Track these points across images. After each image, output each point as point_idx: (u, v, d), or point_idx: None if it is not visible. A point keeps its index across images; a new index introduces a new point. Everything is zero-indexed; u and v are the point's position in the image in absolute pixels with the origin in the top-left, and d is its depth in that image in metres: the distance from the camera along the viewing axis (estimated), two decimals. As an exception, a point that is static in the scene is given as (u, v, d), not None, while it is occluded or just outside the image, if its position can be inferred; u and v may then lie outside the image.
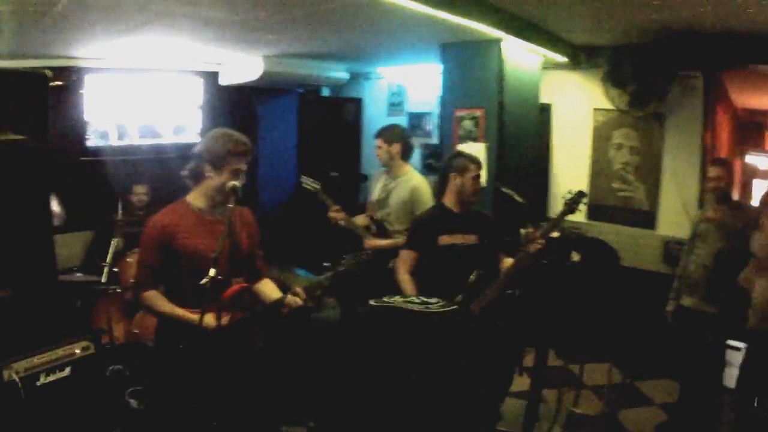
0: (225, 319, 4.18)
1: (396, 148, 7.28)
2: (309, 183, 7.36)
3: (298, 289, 4.63)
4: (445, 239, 5.75)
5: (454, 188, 5.88)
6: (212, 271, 3.90)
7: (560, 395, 6.73)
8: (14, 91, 5.89)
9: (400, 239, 6.73)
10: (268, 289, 4.92)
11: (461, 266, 5.61)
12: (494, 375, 5.86)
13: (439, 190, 6.11)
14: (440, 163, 7.45)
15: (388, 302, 4.94)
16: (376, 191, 7.52)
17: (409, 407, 4.70)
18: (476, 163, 5.99)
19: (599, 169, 9.55)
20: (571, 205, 5.96)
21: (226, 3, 5.89)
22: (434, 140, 11.10)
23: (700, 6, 6.21)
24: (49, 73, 6.01)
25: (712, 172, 6.73)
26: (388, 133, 7.36)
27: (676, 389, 7.00)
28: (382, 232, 7.27)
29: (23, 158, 5.43)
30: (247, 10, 6.23)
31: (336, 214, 7.22)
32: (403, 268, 5.84)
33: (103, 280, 7.30)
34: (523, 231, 6.04)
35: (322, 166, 10.75)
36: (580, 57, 9.20)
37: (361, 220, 7.49)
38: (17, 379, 4.77)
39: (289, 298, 4.59)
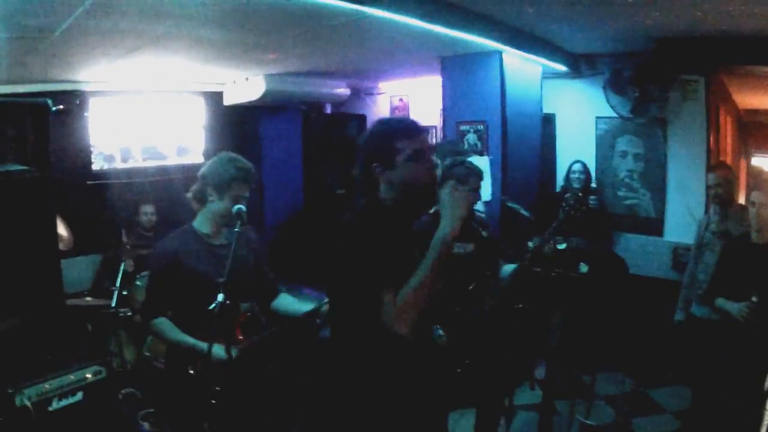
0: (235, 350, 4.21)
1: None
2: None
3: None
4: None
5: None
6: (220, 297, 3.92)
7: (572, 406, 6.72)
8: (15, 121, 5.89)
9: None
10: (287, 302, 4.94)
11: (460, 274, 5.62)
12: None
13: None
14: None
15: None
16: None
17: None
18: (476, 175, 5.95)
19: (605, 177, 9.54)
20: (570, 212, 5.92)
21: (218, 24, 5.92)
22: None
23: (697, 11, 6.23)
24: (50, 102, 5.99)
25: (710, 179, 6.73)
26: None
27: (689, 396, 6.97)
28: None
29: (26, 188, 5.42)
30: (239, 31, 6.27)
31: None
32: None
33: (113, 303, 7.27)
34: (530, 244, 5.99)
35: (327, 184, 10.75)
36: (581, 65, 9.23)
37: None
38: (29, 405, 4.76)
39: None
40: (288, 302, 4.95)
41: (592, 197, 8.54)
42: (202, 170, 4.60)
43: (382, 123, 3.59)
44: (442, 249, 3.20)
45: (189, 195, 4.65)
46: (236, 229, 4.29)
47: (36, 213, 5.62)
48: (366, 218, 3.31)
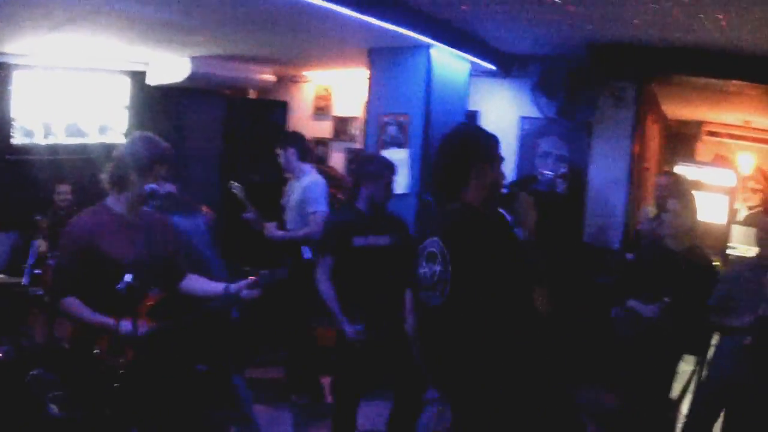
0: (142, 329, 4.18)
1: (291, 151, 7.44)
2: (236, 188, 7.48)
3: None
4: (359, 240, 5.76)
5: (366, 194, 5.87)
6: (128, 277, 3.87)
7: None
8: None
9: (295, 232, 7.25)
10: (200, 282, 4.92)
11: (377, 268, 5.70)
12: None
13: (352, 194, 6.11)
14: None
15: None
16: (285, 196, 7.69)
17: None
18: (390, 169, 5.97)
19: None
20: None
21: (152, 1, 5.85)
22: (359, 145, 11.07)
23: (633, 19, 6.31)
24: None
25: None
26: (281, 140, 7.60)
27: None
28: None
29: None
30: (172, 10, 6.22)
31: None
32: (323, 274, 5.83)
33: (25, 281, 7.17)
34: None
35: (246, 171, 10.71)
36: (510, 66, 9.30)
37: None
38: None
39: (244, 292, 4.62)
40: (197, 283, 4.91)
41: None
42: (120, 152, 4.51)
43: (480, 129, 4.19)
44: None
45: (105, 178, 4.52)
46: (146, 208, 4.27)
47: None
48: (488, 216, 3.75)
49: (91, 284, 4.34)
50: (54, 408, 6.11)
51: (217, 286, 4.79)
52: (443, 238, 3.58)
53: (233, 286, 4.65)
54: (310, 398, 7.46)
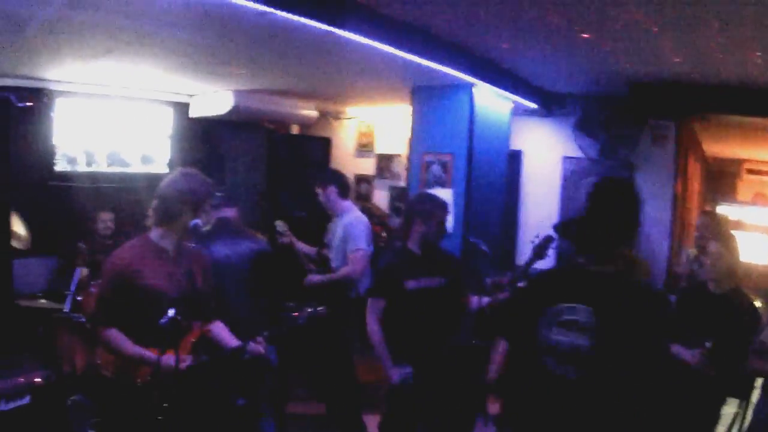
0: (185, 363, 4.21)
1: (331, 189, 7.38)
2: (281, 226, 7.52)
3: (260, 339, 4.68)
4: (411, 284, 5.62)
5: (418, 233, 5.77)
6: (171, 311, 3.87)
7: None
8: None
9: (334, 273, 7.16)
10: (223, 332, 4.92)
11: (429, 309, 5.59)
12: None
13: (403, 234, 6.03)
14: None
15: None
16: (328, 234, 7.65)
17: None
18: (442, 207, 5.86)
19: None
20: (538, 250, 5.85)
21: (192, 28, 5.88)
22: (402, 183, 11.06)
23: (671, 56, 6.30)
24: (13, 98, 5.94)
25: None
26: (321, 178, 7.50)
27: None
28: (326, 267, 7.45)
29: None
30: (212, 37, 6.25)
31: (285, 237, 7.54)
32: (372, 317, 5.71)
33: (66, 308, 7.19)
34: (489, 281, 5.93)
35: (289, 205, 10.72)
36: (551, 104, 9.29)
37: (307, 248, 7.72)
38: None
39: (253, 345, 4.66)
40: (223, 332, 4.93)
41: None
42: (166, 189, 4.55)
43: None
44: None
45: (152, 214, 4.57)
46: (189, 243, 4.28)
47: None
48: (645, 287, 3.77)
49: (133, 316, 4.37)
50: (93, 434, 6.12)
51: (231, 341, 4.83)
52: (597, 309, 3.26)
53: (251, 345, 4.72)
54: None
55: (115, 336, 4.36)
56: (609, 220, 3.37)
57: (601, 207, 3.40)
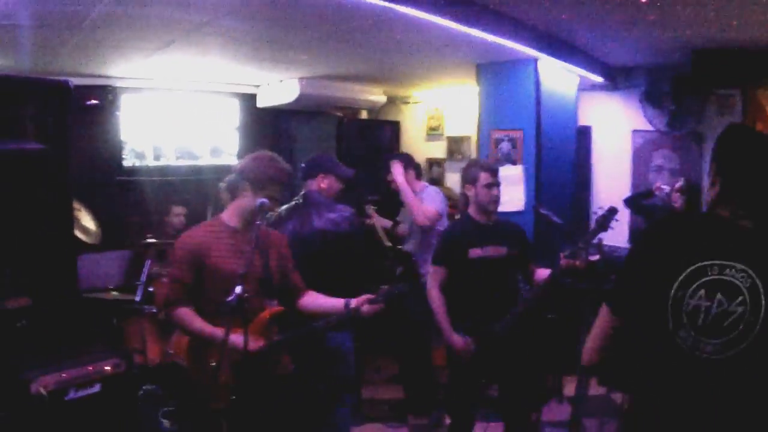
0: (255, 343, 4.25)
1: (410, 173, 7.58)
2: (369, 210, 8.09)
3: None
4: (475, 252, 5.58)
5: (472, 199, 5.73)
6: (238, 289, 3.87)
7: (601, 425, 6.60)
8: (36, 100, 5.87)
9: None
10: (319, 299, 4.93)
11: (493, 279, 5.55)
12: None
13: (463, 205, 6.02)
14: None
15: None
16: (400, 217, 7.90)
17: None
18: (488, 170, 5.72)
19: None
20: (602, 221, 5.60)
21: (249, 16, 5.90)
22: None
23: (731, 20, 6.13)
24: (70, 82, 5.97)
25: None
26: (404, 161, 7.67)
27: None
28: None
29: (43, 167, 5.41)
30: (270, 25, 6.26)
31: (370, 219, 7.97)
32: (434, 284, 5.71)
33: (138, 299, 7.23)
34: (563, 257, 5.69)
35: (360, 190, 10.70)
36: (617, 77, 9.15)
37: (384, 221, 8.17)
38: (45, 393, 4.73)
39: (365, 307, 4.60)
40: (317, 299, 4.92)
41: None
42: (241, 164, 4.65)
43: None
44: None
45: (222, 185, 4.67)
46: (258, 222, 4.25)
47: (52, 194, 5.60)
48: None
49: (204, 296, 4.44)
50: (165, 423, 6.15)
51: (337, 302, 4.75)
52: (759, 271, 2.60)
53: (354, 301, 4.62)
54: (428, 419, 7.34)
55: (186, 313, 4.41)
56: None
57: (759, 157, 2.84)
